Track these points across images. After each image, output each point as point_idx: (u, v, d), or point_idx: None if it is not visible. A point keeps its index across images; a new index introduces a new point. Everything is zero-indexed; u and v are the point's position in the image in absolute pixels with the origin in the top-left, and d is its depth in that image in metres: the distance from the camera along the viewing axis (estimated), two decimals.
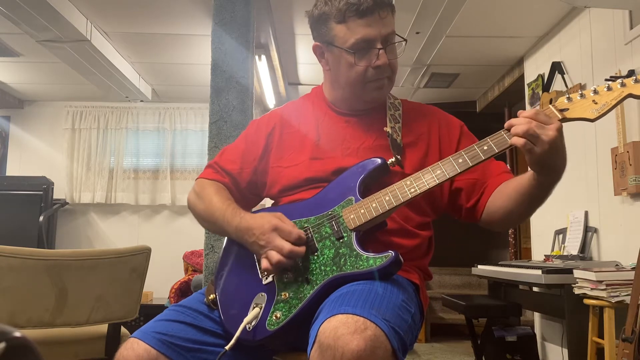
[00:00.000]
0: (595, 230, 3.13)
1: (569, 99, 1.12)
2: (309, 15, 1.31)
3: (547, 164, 1.07)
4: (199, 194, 1.35)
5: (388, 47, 1.25)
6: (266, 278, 1.18)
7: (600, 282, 2.40)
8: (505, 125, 1.09)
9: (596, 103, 1.10)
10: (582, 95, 1.11)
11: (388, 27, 1.24)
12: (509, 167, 1.28)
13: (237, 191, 1.36)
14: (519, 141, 1.05)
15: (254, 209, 1.36)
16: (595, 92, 1.10)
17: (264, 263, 1.14)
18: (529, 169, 1.14)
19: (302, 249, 1.13)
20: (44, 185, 5.19)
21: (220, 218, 1.26)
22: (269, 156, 1.35)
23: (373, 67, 1.24)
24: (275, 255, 1.12)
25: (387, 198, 1.15)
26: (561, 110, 1.11)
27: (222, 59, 2.95)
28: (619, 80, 1.10)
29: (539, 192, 1.14)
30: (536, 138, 1.03)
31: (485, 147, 1.12)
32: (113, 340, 1.95)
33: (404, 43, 1.28)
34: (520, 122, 1.05)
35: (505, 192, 1.22)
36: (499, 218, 1.24)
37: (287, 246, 1.12)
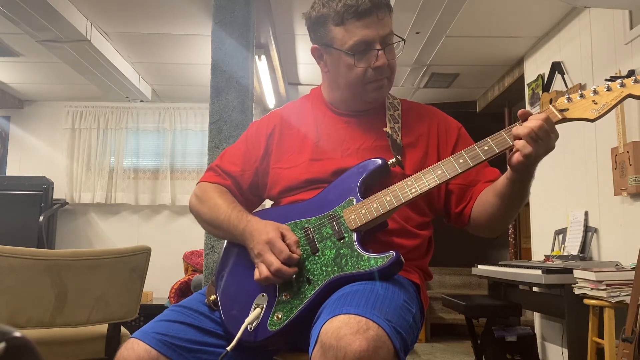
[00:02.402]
0: (595, 230, 3.13)
1: (569, 99, 1.12)
2: (306, 17, 1.31)
3: (530, 166, 1.10)
4: (201, 197, 1.34)
5: (387, 47, 1.25)
6: None
7: (600, 282, 2.40)
8: (519, 113, 1.11)
9: (596, 103, 1.10)
10: (582, 96, 1.12)
11: (386, 28, 1.24)
12: (501, 175, 1.29)
13: (239, 193, 1.36)
14: (526, 149, 1.06)
15: (255, 210, 1.36)
16: (595, 92, 1.11)
17: (255, 273, 1.15)
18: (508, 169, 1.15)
19: (291, 270, 1.12)
20: (44, 185, 5.19)
21: (225, 222, 1.25)
22: (270, 157, 1.35)
23: (372, 68, 1.24)
24: (264, 270, 1.12)
25: (387, 198, 1.15)
26: (561, 111, 1.12)
27: (222, 59, 2.95)
28: (619, 81, 1.10)
29: (515, 190, 1.16)
30: (538, 143, 1.06)
31: (486, 147, 1.13)
32: (113, 340, 1.95)
33: (402, 43, 1.29)
34: (534, 126, 1.06)
35: (486, 196, 1.24)
36: (483, 223, 1.26)
37: (275, 264, 1.11)
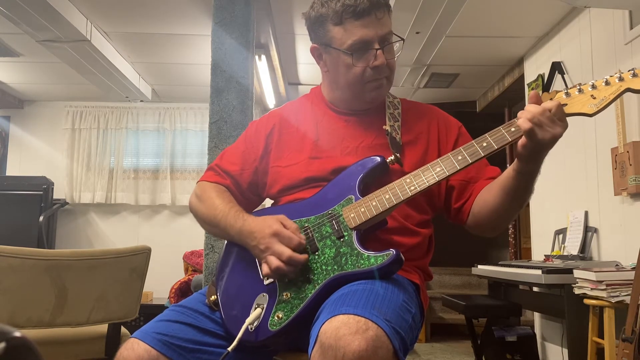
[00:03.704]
0: (595, 230, 3.13)
1: (567, 94, 1.12)
2: (306, 17, 1.31)
3: (536, 153, 1.08)
4: (200, 197, 1.35)
5: (385, 47, 1.25)
6: (267, 278, 1.18)
7: (600, 282, 2.40)
8: (531, 94, 1.10)
9: (594, 98, 1.10)
10: (580, 91, 1.11)
11: (385, 28, 1.24)
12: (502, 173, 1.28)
13: (238, 192, 1.36)
14: (525, 124, 1.05)
15: (254, 210, 1.36)
16: (594, 87, 1.10)
17: (264, 268, 1.15)
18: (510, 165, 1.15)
19: (303, 256, 1.12)
20: (44, 185, 5.19)
21: (222, 221, 1.25)
22: (269, 156, 1.35)
23: (371, 67, 1.25)
24: (274, 261, 1.12)
25: (387, 196, 1.15)
26: None
27: (222, 59, 2.96)
28: (617, 75, 1.09)
29: (521, 184, 1.14)
30: (541, 128, 1.05)
31: (485, 144, 1.13)
32: (113, 340, 1.95)
33: (401, 42, 1.29)
34: (536, 111, 1.06)
35: (488, 191, 1.23)
36: (484, 220, 1.24)
37: (286, 253, 1.11)
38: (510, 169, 1.15)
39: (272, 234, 1.14)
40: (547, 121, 1.06)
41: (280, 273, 1.13)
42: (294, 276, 1.14)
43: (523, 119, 1.06)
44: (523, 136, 1.07)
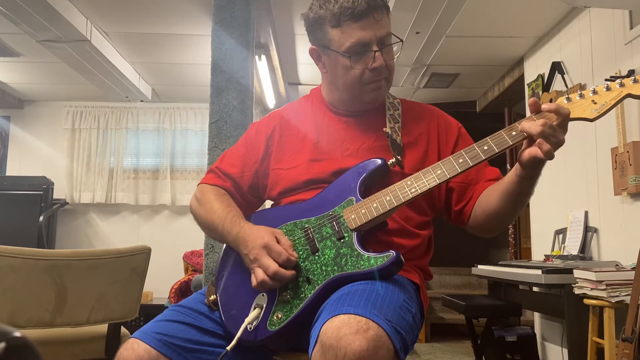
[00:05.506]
0: (595, 230, 3.13)
1: (568, 99, 1.13)
2: (305, 18, 1.31)
3: (543, 162, 1.09)
4: (200, 200, 1.35)
5: (384, 48, 1.25)
6: None
7: (600, 282, 2.40)
8: (530, 102, 1.10)
9: (595, 103, 1.10)
10: (581, 96, 1.12)
11: (383, 29, 1.24)
12: (502, 175, 1.28)
13: (239, 195, 1.36)
14: (537, 153, 1.06)
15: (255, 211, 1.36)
16: (594, 92, 1.11)
17: (252, 279, 1.14)
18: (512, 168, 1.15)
19: (289, 272, 1.12)
20: (44, 185, 5.19)
21: (220, 226, 1.25)
22: (270, 159, 1.35)
23: (370, 69, 1.24)
24: (260, 274, 1.12)
25: (387, 198, 1.15)
26: None
27: (222, 59, 2.96)
28: (618, 81, 1.10)
29: (524, 189, 1.15)
30: (547, 139, 1.05)
31: (486, 147, 1.13)
32: (113, 340, 1.95)
33: (400, 43, 1.28)
34: (538, 123, 1.06)
35: (490, 194, 1.23)
36: (485, 222, 1.25)
37: (272, 267, 1.11)
38: (512, 174, 1.15)
39: (263, 245, 1.14)
40: (551, 131, 1.06)
41: (265, 287, 1.13)
42: (294, 276, 1.14)
43: (534, 148, 1.06)
44: (525, 146, 1.08)
